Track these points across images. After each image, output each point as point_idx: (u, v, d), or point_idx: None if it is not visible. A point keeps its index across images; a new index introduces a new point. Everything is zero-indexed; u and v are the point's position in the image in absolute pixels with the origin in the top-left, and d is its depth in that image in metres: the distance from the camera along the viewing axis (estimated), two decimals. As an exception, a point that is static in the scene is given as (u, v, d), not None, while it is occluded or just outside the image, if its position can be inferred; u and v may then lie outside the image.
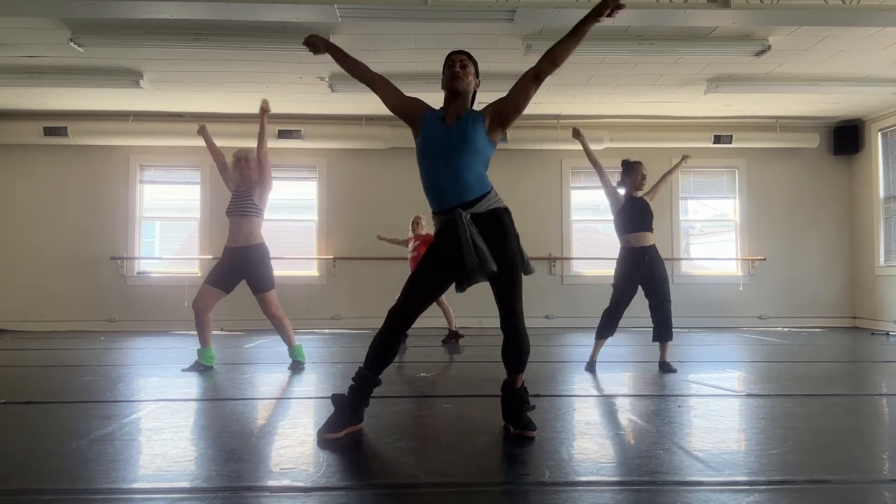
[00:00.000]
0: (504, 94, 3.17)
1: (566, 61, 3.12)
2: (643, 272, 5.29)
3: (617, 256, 5.43)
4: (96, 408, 3.78)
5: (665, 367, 5.24)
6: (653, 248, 5.35)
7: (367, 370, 3.11)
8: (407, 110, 3.25)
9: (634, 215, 5.36)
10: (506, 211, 3.12)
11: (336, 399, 3.12)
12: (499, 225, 3.06)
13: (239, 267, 5.28)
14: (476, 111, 3.17)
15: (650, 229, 5.37)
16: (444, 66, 3.21)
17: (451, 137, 3.07)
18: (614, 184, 5.53)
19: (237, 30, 6.59)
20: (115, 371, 5.54)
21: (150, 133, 9.63)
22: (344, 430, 3.05)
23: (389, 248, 9.76)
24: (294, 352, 5.54)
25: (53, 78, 7.86)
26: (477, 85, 3.23)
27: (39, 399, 4.06)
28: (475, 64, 3.22)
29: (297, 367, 5.44)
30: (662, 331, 5.33)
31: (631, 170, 5.47)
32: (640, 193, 5.47)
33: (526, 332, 3.10)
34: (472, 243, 2.93)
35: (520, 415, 3.12)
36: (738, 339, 8.26)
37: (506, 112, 3.13)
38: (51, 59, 7.39)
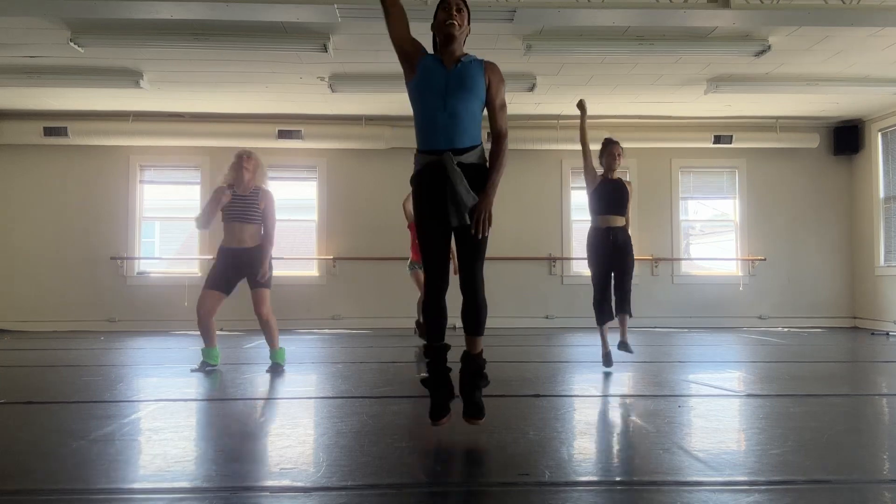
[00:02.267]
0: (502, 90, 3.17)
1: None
2: (609, 251, 5.25)
3: (586, 239, 5.39)
4: (96, 408, 3.78)
5: (623, 347, 5.20)
6: (621, 229, 5.31)
7: (430, 343, 3.15)
8: (408, 48, 3.16)
9: (606, 197, 5.31)
10: (484, 168, 3.12)
11: (427, 382, 3.16)
12: (476, 181, 3.04)
13: (242, 266, 5.25)
14: (478, 60, 3.14)
15: (621, 213, 5.32)
16: (438, 8, 3.14)
17: (450, 79, 3.04)
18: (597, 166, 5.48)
19: (237, 30, 6.58)
20: (115, 371, 5.54)
21: (150, 133, 9.63)
22: (450, 409, 3.09)
23: (389, 247, 9.77)
24: (276, 354, 5.37)
25: (53, 78, 7.85)
26: (468, 32, 3.19)
27: (39, 399, 4.06)
28: (469, 11, 3.18)
29: (276, 369, 5.27)
30: (620, 304, 5.26)
31: (603, 149, 5.42)
32: (615, 174, 5.39)
33: (484, 296, 3.09)
34: (455, 188, 2.93)
35: (472, 392, 3.11)
36: (738, 339, 8.26)
37: (490, 97, 3.12)
38: (51, 59, 7.39)
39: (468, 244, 3.03)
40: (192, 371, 5.17)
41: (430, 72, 3.08)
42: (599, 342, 5.32)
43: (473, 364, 3.13)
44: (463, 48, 3.17)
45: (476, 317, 3.09)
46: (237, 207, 5.27)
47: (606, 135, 9.64)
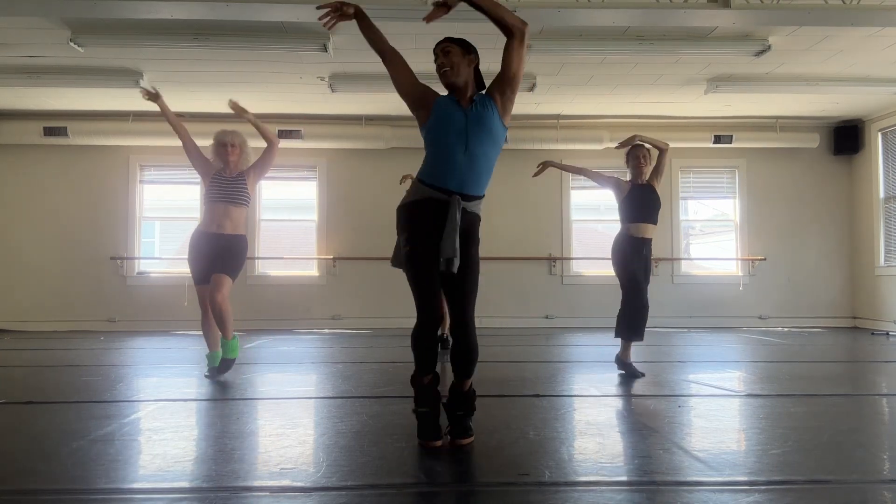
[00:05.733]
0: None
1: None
2: (641, 262, 5.03)
3: (613, 245, 5.14)
4: (96, 408, 3.78)
5: (629, 369, 4.98)
6: (650, 241, 5.11)
7: (420, 374, 3.03)
8: (419, 94, 3.07)
9: (639, 204, 5.07)
10: (480, 220, 3.10)
11: (416, 411, 3.02)
12: (473, 230, 3.05)
13: (220, 252, 4.82)
14: (484, 95, 3.07)
15: (654, 221, 5.09)
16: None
17: (468, 121, 2.96)
18: (615, 174, 5.26)
19: (237, 30, 6.58)
20: (115, 371, 5.54)
21: (150, 133, 9.62)
22: (441, 432, 2.97)
23: (389, 247, 9.73)
24: (228, 346, 4.84)
25: (53, 78, 7.85)
26: (472, 62, 3.06)
27: (39, 399, 4.06)
28: (461, 43, 3.06)
29: (226, 367, 4.85)
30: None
31: (628, 155, 5.23)
32: (646, 179, 5.16)
33: (476, 338, 3.00)
34: (446, 238, 2.88)
35: (459, 420, 3.01)
36: (738, 339, 8.26)
37: (506, 87, 3.03)
38: (51, 59, 7.39)
39: (457, 285, 2.97)
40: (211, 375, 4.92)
41: (447, 112, 2.99)
42: (610, 348, 5.20)
43: (462, 399, 3.04)
44: (472, 84, 3.07)
45: (468, 362, 3.00)
46: (222, 188, 4.90)
47: (607, 135, 9.74)
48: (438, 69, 3.05)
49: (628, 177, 5.27)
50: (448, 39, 3.10)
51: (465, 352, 2.99)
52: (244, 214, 4.99)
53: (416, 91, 3.08)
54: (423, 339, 2.97)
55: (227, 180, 4.94)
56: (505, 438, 3.05)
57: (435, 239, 2.91)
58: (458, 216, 2.90)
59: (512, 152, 9.96)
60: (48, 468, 2.58)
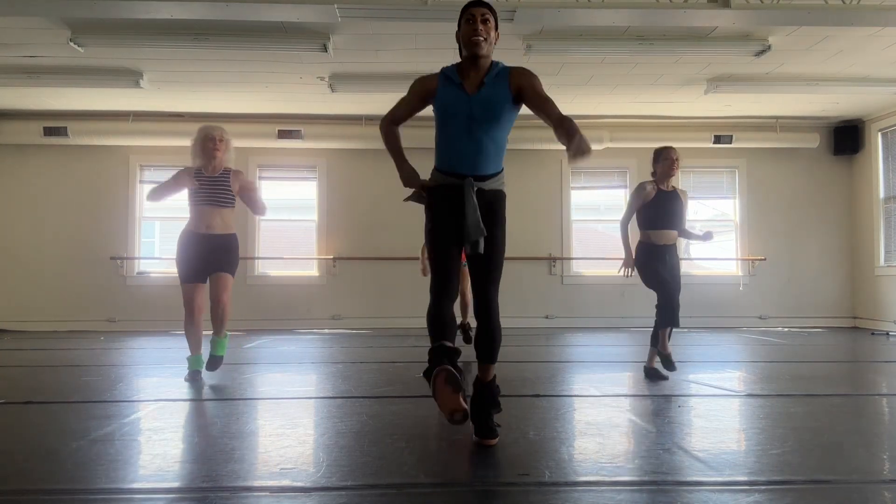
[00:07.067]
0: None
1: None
2: (669, 268, 4.88)
3: (635, 255, 4.93)
4: (96, 408, 3.78)
5: (666, 362, 4.82)
6: (674, 247, 4.96)
7: (438, 344, 2.87)
8: (417, 106, 3.09)
9: (663, 212, 4.85)
10: (504, 196, 3.07)
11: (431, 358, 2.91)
12: (497, 208, 3.02)
13: (216, 251, 4.73)
14: (501, 70, 2.98)
15: (677, 228, 4.94)
16: (462, 19, 2.94)
17: (473, 107, 2.91)
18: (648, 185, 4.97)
19: (237, 30, 6.58)
20: (115, 371, 5.54)
21: (150, 133, 9.62)
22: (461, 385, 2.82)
23: (389, 247, 9.78)
24: (220, 343, 4.81)
25: (53, 78, 7.85)
26: (497, 38, 2.99)
27: (39, 399, 4.06)
28: (496, 16, 2.97)
29: (216, 363, 4.79)
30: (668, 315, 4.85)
31: (658, 156, 4.98)
32: (671, 185, 4.94)
33: (499, 322, 3.00)
34: (467, 219, 2.88)
35: (485, 418, 2.99)
36: (738, 339, 8.26)
37: (529, 98, 2.99)
38: (51, 59, 7.39)
39: (484, 269, 2.97)
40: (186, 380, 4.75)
41: (451, 100, 2.94)
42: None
43: (487, 393, 3.04)
44: (490, 58, 2.99)
45: (491, 343, 2.98)
46: (207, 190, 4.74)
47: (607, 135, 9.73)
48: (469, 34, 2.90)
49: (651, 178, 5.00)
50: (489, 7, 2.96)
51: (488, 331, 2.98)
52: (232, 215, 4.87)
53: (415, 107, 3.10)
54: (437, 315, 2.94)
55: (211, 180, 4.78)
56: (505, 438, 3.05)
57: (453, 219, 2.93)
58: (474, 197, 2.91)
59: (512, 152, 9.86)
60: (48, 468, 2.58)
